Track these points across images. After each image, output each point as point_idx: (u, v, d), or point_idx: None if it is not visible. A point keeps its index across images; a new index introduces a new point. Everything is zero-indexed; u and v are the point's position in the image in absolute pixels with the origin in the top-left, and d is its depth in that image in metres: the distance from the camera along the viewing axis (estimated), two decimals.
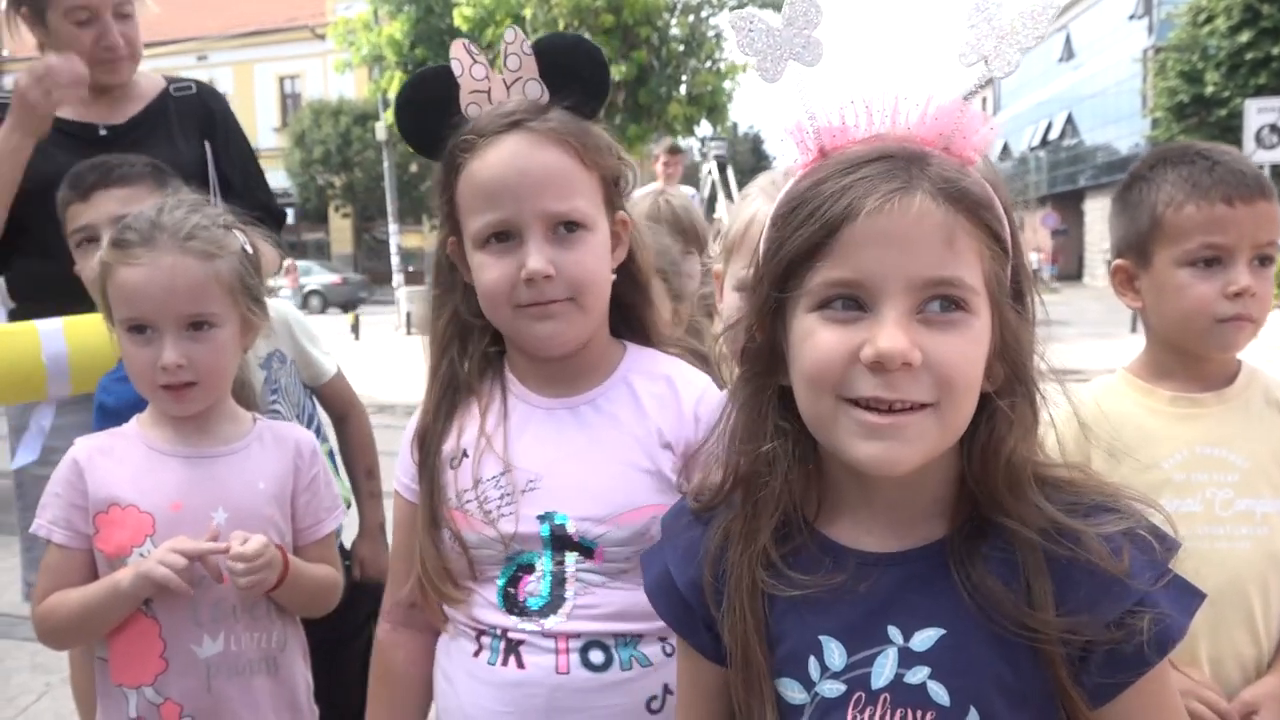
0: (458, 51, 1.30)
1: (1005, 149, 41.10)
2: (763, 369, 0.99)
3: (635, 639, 1.27)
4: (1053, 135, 39.31)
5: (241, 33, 34.43)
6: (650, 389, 1.34)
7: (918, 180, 0.88)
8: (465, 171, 1.27)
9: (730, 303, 1.57)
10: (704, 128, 19.84)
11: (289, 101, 36.24)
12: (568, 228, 1.26)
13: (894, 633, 0.96)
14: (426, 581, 1.32)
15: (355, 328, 17.41)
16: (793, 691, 0.99)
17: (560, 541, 1.27)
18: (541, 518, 1.28)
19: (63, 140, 2.36)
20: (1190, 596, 0.94)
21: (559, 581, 1.27)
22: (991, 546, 0.93)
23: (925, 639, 0.95)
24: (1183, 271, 1.51)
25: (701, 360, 1.46)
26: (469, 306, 1.35)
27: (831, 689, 0.97)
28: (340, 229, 35.70)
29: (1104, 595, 0.90)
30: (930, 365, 0.88)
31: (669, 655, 1.27)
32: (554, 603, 1.27)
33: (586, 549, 1.27)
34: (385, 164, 20.54)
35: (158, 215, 1.58)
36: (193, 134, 2.55)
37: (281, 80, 36.53)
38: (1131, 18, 31.74)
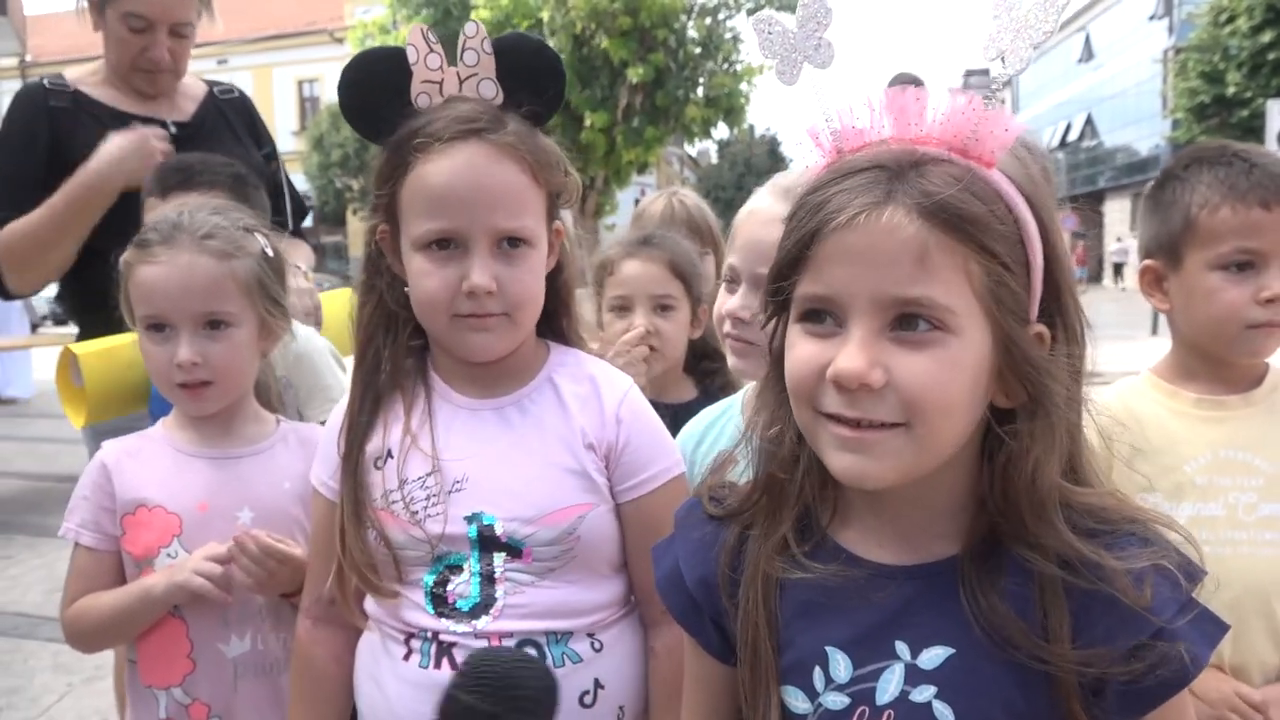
0: (415, 38, 1.28)
1: None
2: (781, 370, 0.99)
3: (566, 635, 1.28)
4: (1072, 136, 39.08)
5: (261, 37, 34.69)
6: (574, 389, 1.36)
7: (897, 194, 0.85)
8: (415, 171, 1.25)
9: (719, 294, 1.57)
10: (721, 130, 19.85)
11: (307, 105, 36.43)
12: (512, 244, 1.27)
13: (901, 648, 0.94)
14: (357, 577, 1.31)
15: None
16: (797, 700, 0.98)
17: (488, 542, 1.28)
18: (469, 519, 1.28)
19: None
20: (1214, 627, 0.92)
21: (488, 582, 1.27)
22: (1007, 573, 0.91)
23: (933, 657, 0.93)
24: (1214, 275, 1.49)
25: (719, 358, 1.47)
26: (395, 296, 1.35)
27: (835, 701, 0.96)
28: (358, 232, 35.45)
29: (1123, 628, 0.88)
30: (896, 386, 0.86)
31: (597, 651, 1.31)
32: (484, 603, 1.27)
33: (515, 549, 1.27)
34: None
35: (179, 216, 1.60)
36: (245, 134, 2.62)
37: (300, 84, 36.72)
38: (1152, 18, 31.53)
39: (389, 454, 1.32)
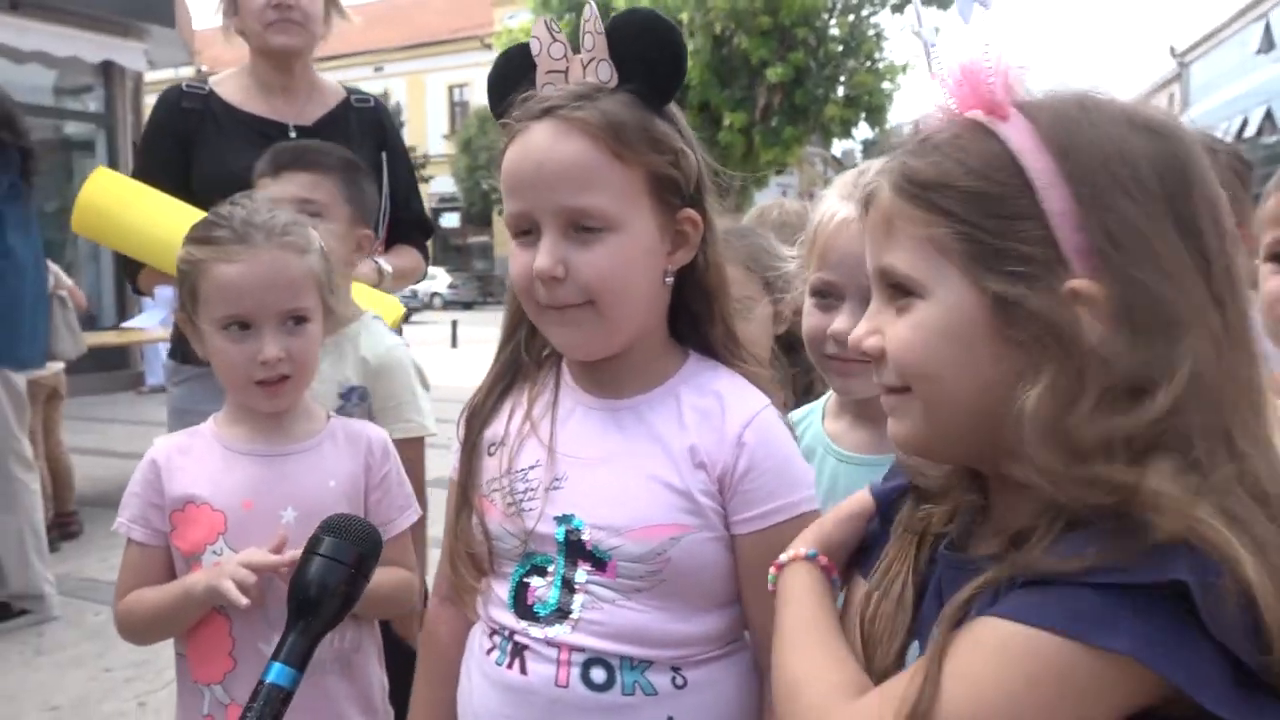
0: (538, 30, 1.25)
1: None
2: None
3: (644, 664, 1.18)
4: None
5: (414, 44, 36.05)
6: (696, 403, 1.25)
7: (887, 171, 0.89)
8: (505, 158, 1.22)
9: (805, 308, 1.47)
10: (862, 130, 19.42)
11: (457, 110, 37.60)
12: (586, 228, 1.17)
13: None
14: (458, 561, 1.29)
15: (453, 336, 17.13)
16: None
17: (575, 548, 1.21)
18: (559, 519, 1.22)
19: (254, 137, 2.50)
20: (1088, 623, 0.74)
21: (569, 590, 1.20)
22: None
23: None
24: None
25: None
26: None
27: None
28: (503, 231, 36.54)
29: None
30: (886, 352, 0.89)
31: (679, 687, 1.19)
32: (560, 611, 1.20)
33: (599, 560, 1.19)
34: None
35: (247, 214, 1.60)
36: (369, 145, 2.67)
37: (451, 89, 37.94)
38: None
39: (503, 440, 1.29)
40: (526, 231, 1.20)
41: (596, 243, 1.17)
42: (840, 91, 18.47)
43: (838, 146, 27.17)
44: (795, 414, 1.59)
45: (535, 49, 1.24)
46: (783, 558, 1.04)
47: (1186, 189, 0.81)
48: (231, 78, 2.70)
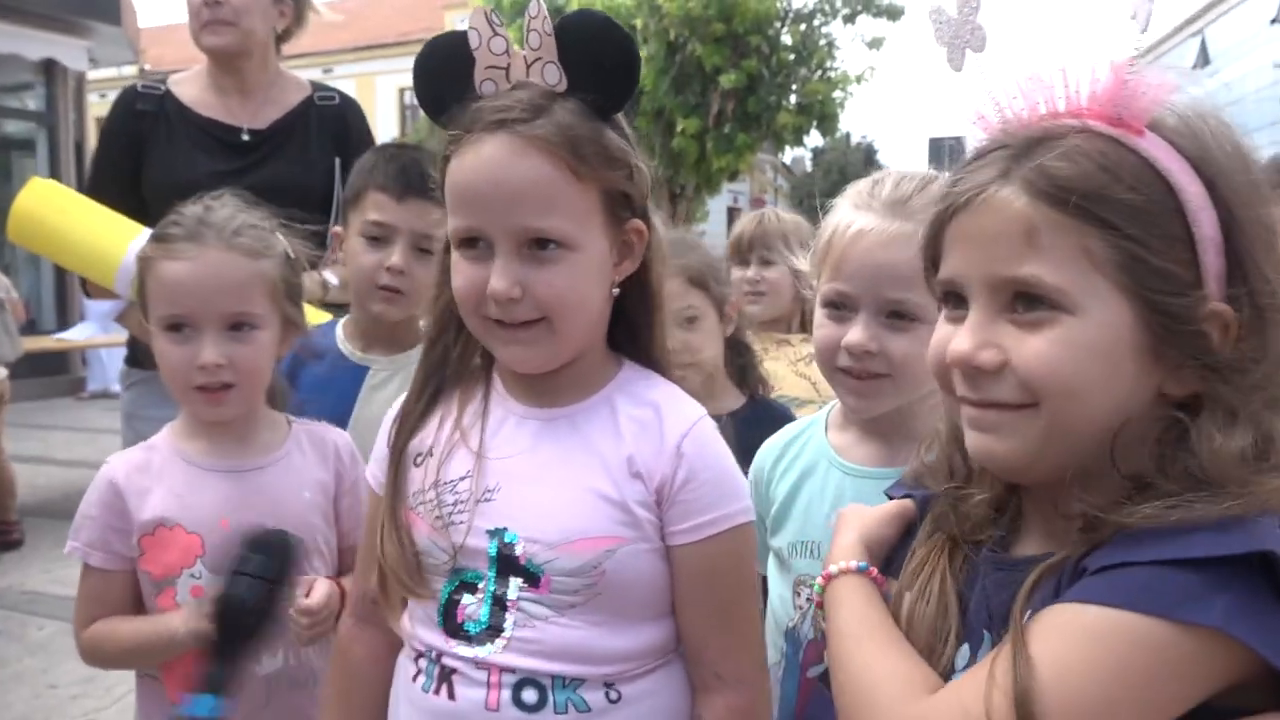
0: (477, 20, 1.16)
1: None
2: None
3: (577, 682, 1.16)
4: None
5: (363, 45, 35.70)
6: (632, 413, 1.22)
7: (1014, 173, 0.84)
8: (452, 164, 1.17)
9: (817, 320, 1.44)
10: (814, 137, 19.59)
11: (408, 112, 37.29)
12: (541, 245, 1.14)
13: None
14: (386, 578, 1.23)
15: None
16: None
17: (507, 562, 1.17)
18: (492, 533, 1.18)
19: (206, 141, 2.46)
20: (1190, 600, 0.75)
21: (500, 607, 1.16)
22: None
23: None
24: None
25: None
26: None
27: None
28: None
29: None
30: (1013, 367, 0.84)
31: (613, 702, 1.17)
32: (491, 630, 1.16)
33: (532, 575, 1.16)
34: None
35: (205, 212, 1.55)
36: (327, 146, 2.60)
37: (400, 92, 37.59)
38: (1273, 22, 30.09)
39: (430, 451, 1.24)
40: (473, 243, 1.16)
41: (553, 262, 1.14)
42: (793, 99, 18.62)
43: (788, 154, 27.44)
44: (793, 426, 1.57)
45: (474, 41, 1.16)
46: (832, 569, 1.03)
47: None
48: (191, 78, 2.64)
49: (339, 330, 1.99)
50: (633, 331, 1.28)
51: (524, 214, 1.13)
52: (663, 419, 1.21)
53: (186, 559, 1.50)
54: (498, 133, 1.12)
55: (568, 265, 1.15)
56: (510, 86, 1.16)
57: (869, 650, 0.93)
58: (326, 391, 1.88)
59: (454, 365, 1.28)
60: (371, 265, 1.85)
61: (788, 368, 2.26)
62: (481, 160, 1.13)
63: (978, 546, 0.94)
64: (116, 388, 10.52)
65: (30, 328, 8.73)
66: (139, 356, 2.56)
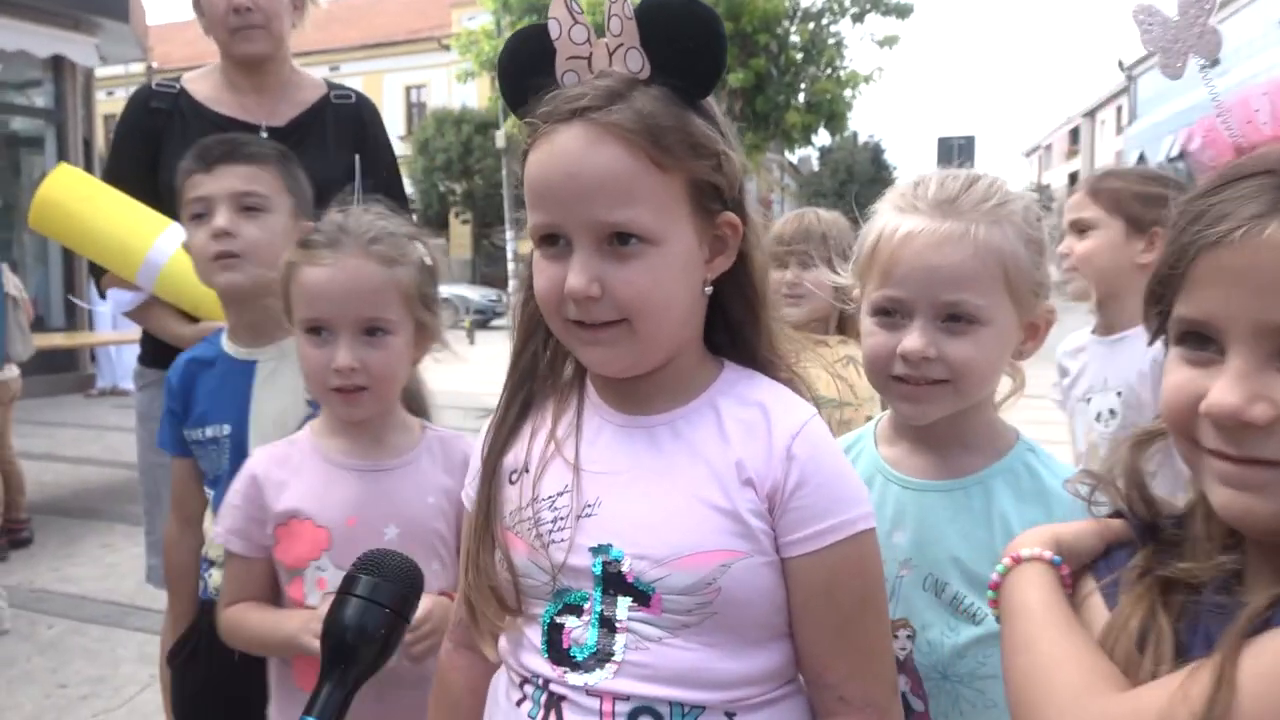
0: (557, 10, 1.10)
1: (1141, 160, 39.41)
2: None
3: (697, 710, 1.07)
4: (1194, 145, 37.36)
5: (371, 44, 35.73)
6: (738, 415, 1.14)
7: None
8: (528, 161, 1.10)
9: (866, 329, 1.38)
10: (822, 136, 19.55)
11: (414, 110, 37.32)
12: (621, 240, 1.06)
13: None
14: (476, 602, 1.17)
15: (470, 334, 17.57)
16: None
17: (613, 581, 1.09)
18: (595, 550, 1.10)
19: None
20: None
21: (609, 629, 1.09)
22: None
23: None
24: None
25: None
26: None
27: None
28: (460, 235, 36.51)
29: None
30: None
31: None
32: (600, 655, 1.08)
33: (642, 594, 1.08)
34: (503, 171, 20.88)
35: (345, 219, 1.60)
36: (345, 144, 2.60)
37: (408, 90, 37.65)
38: None
39: (526, 468, 1.18)
40: (553, 241, 1.09)
41: (634, 258, 1.07)
42: (801, 98, 18.56)
43: (795, 153, 27.36)
44: (843, 439, 1.52)
45: (555, 31, 1.10)
46: (1024, 553, 0.97)
47: None
48: (205, 75, 2.63)
49: (223, 337, 2.01)
50: (733, 332, 1.20)
51: (600, 207, 1.05)
52: (770, 420, 1.13)
53: (314, 552, 1.58)
54: (572, 122, 1.06)
55: (650, 261, 1.07)
56: (593, 76, 1.10)
57: (1055, 636, 0.87)
58: (222, 396, 1.93)
59: (544, 373, 1.22)
60: (201, 240, 1.90)
61: (823, 369, 2.21)
62: (555, 151, 1.07)
63: (1194, 589, 0.88)
64: (125, 385, 10.64)
65: (38, 325, 8.72)
66: (152, 357, 2.54)
